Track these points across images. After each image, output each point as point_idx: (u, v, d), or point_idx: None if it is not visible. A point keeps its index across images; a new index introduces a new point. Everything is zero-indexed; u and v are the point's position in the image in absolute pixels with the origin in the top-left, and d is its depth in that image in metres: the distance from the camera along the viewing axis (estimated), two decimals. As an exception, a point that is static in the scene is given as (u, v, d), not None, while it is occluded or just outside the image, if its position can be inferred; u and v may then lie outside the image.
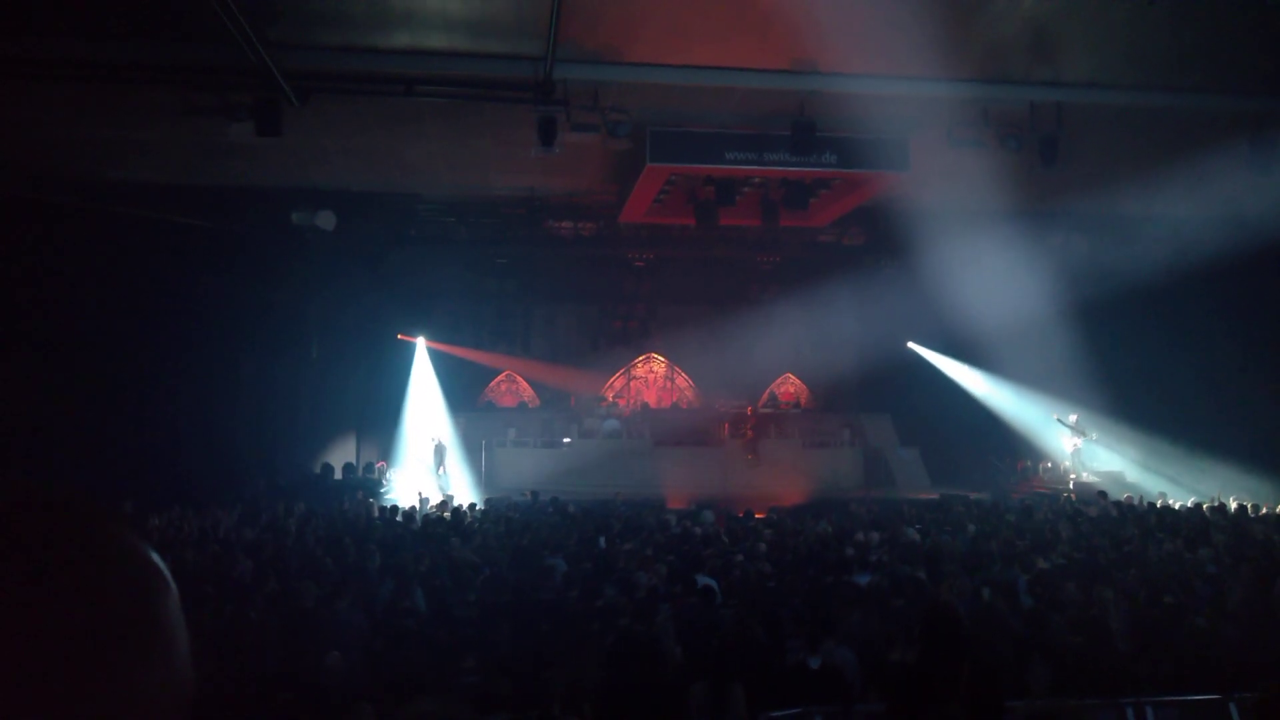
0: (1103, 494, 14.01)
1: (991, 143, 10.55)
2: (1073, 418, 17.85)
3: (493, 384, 21.73)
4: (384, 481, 17.22)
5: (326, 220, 15.40)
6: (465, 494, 16.19)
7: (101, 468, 13.80)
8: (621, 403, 21.65)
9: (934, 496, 15.50)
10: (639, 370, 22.42)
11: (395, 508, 13.02)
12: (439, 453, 18.09)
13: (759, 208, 13.93)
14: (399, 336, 19.74)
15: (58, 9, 8.43)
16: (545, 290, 20.47)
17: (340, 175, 14.20)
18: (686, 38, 9.11)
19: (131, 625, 0.66)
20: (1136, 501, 13.53)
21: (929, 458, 19.51)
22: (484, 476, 17.98)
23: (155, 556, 0.71)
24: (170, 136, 11.53)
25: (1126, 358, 16.94)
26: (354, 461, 17.62)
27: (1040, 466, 18.64)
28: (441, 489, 17.26)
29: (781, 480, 17.11)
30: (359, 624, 6.70)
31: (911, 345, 21.16)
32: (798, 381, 22.43)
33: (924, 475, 19.23)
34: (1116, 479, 16.71)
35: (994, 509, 12.80)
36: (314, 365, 17.79)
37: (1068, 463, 17.87)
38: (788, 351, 20.50)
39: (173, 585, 0.71)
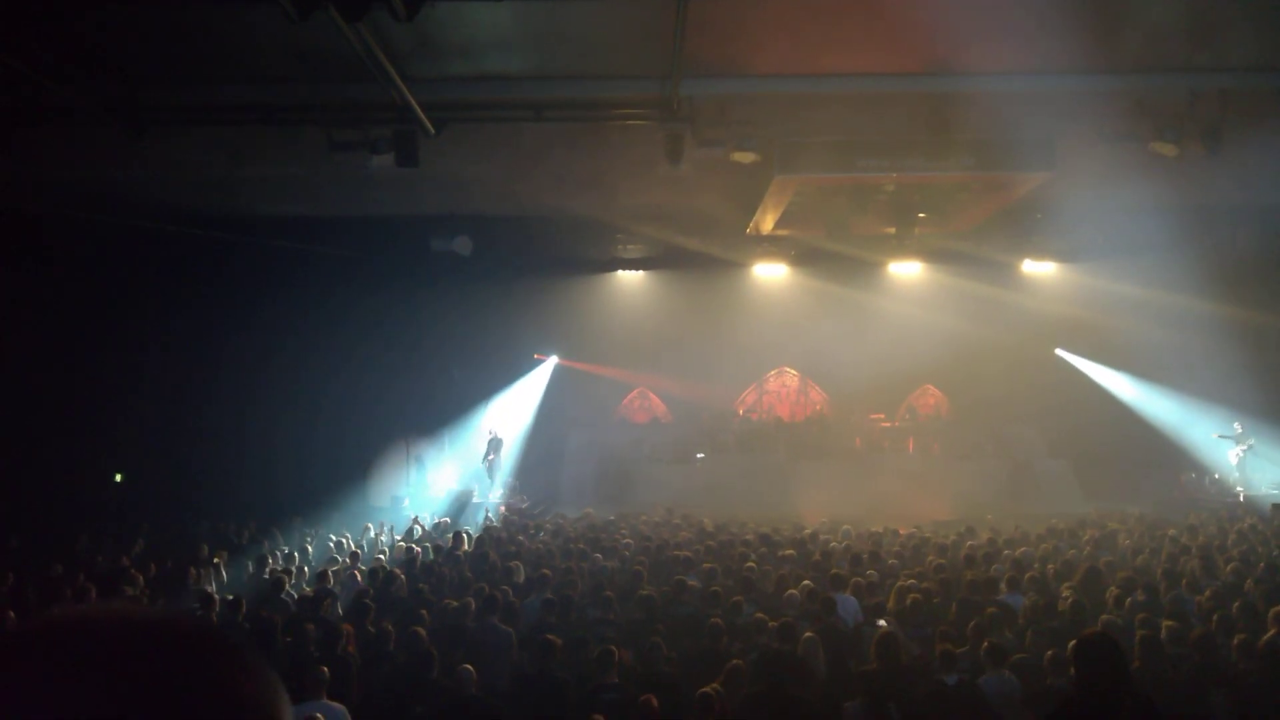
0: (1277, 506, 12.78)
1: (1148, 136, 9.85)
2: (1237, 426, 16.48)
3: (626, 400, 21.95)
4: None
5: (464, 246, 16.01)
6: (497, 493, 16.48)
7: (267, 487, 14.83)
8: (754, 417, 21.43)
9: (1088, 511, 14.53)
10: (771, 384, 22.13)
11: (540, 524, 13.37)
12: (493, 445, 18.17)
13: (893, 215, 13.52)
14: (535, 356, 20.30)
15: (215, 59, 9.15)
16: (675, 306, 20.55)
17: (475, 202, 14.74)
18: (813, 47, 8.96)
19: None
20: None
21: (1080, 470, 18.34)
22: (620, 493, 18.14)
23: (276, 682, 0.75)
24: (316, 172, 12.26)
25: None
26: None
27: (1206, 479, 17.18)
28: (489, 478, 17.63)
29: (923, 495, 16.46)
30: (506, 638, 6.87)
31: (1059, 352, 20.01)
32: (937, 393, 21.55)
33: (1075, 489, 18.06)
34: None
35: (1155, 526, 11.87)
36: (455, 387, 18.52)
37: (1234, 475, 16.45)
38: (926, 362, 19.74)
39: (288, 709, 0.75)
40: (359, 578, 9.41)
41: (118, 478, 16.62)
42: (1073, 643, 4.05)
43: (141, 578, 9.06)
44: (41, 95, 9.32)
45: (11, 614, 7.08)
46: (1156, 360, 16.96)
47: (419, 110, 9.46)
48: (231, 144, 11.11)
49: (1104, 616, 6.06)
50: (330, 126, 10.15)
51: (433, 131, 9.91)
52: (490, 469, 17.98)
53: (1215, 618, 6.20)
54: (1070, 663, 4.03)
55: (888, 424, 20.48)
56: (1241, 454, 16.45)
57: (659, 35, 8.29)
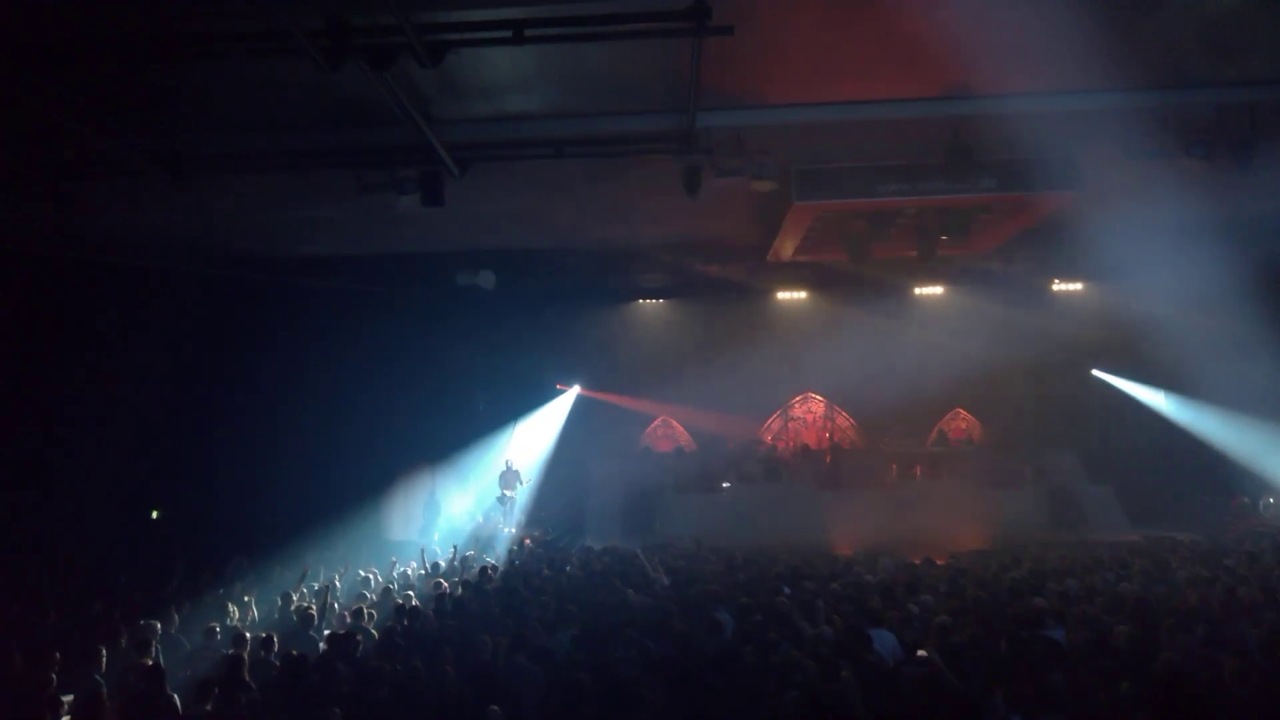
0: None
1: (1175, 151, 9.71)
2: None
3: (649, 429, 21.86)
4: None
5: (487, 280, 16.20)
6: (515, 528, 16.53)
7: (295, 522, 14.86)
8: (780, 445, 21.21)
9: (1135, 539, 14.13)
10: (796, 410, 21.93)
11: (566, 556, 13.25)
12: (505, 478, 17.85)
13: (915, 238, 13.43)
14: (557, 386, 20.33)
15: (250, 109, 9.34)
16: (697, 334, 20.51)
17: (499, 236, 14.87)
18: (828, 74, 8.97)
19: None
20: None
21: (1125, 495, 17.90)
22: (645, 524, 18.01)
23: None
24: (346, 213, 12.45)
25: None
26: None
27: (1261, 503, 16.58)
28: (507, 511, 17.36)
29: (959, 523, 16.12)
30: (535, 677, 6.76)
31: (1097, 373, 19.67)
32: (969, 416, 21.23)
33: (1120, 515, 17.62)
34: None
35: (1210, 553, 11.50)
36: (478, 418, 18.57)
37: None
38: (955, 385, 19.46)
39: None
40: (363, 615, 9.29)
41: (154, 514, 16.80)
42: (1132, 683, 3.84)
43: (177, 616, 9.08)
44: (86, 148, 9.58)
45: (56, 654, 7.13)
46: (1198, 379, 16.53)
47: (443, 152, 9.61)
48: (265, 189, 11.34)
49: (1162, 654, 5.83)
50: (359, 169, 10.33)
51: (456, 172, 10.04)
52: (507, 502, 17.87)
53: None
54: (1137, 705, 3.83)
55: (919, 449, 20.18)
56: None
57: (676, 70, 8.33)
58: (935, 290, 19.80)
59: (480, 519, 17.68)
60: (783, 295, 20.16)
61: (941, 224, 12.87)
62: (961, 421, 21.25)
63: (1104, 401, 19.31)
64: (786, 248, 14.57)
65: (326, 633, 8.51)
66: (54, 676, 6.64)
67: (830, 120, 9.81)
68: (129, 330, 14.71)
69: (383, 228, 13.53)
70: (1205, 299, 14.80)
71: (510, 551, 14.67)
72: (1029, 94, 9.15)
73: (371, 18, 7.14)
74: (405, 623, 8.60)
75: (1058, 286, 19.14)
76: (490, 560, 13.27)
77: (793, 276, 18.95)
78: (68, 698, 6.18)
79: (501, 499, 17.84)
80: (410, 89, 8.47)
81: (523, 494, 18.24)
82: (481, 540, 16.29)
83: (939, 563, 11.37)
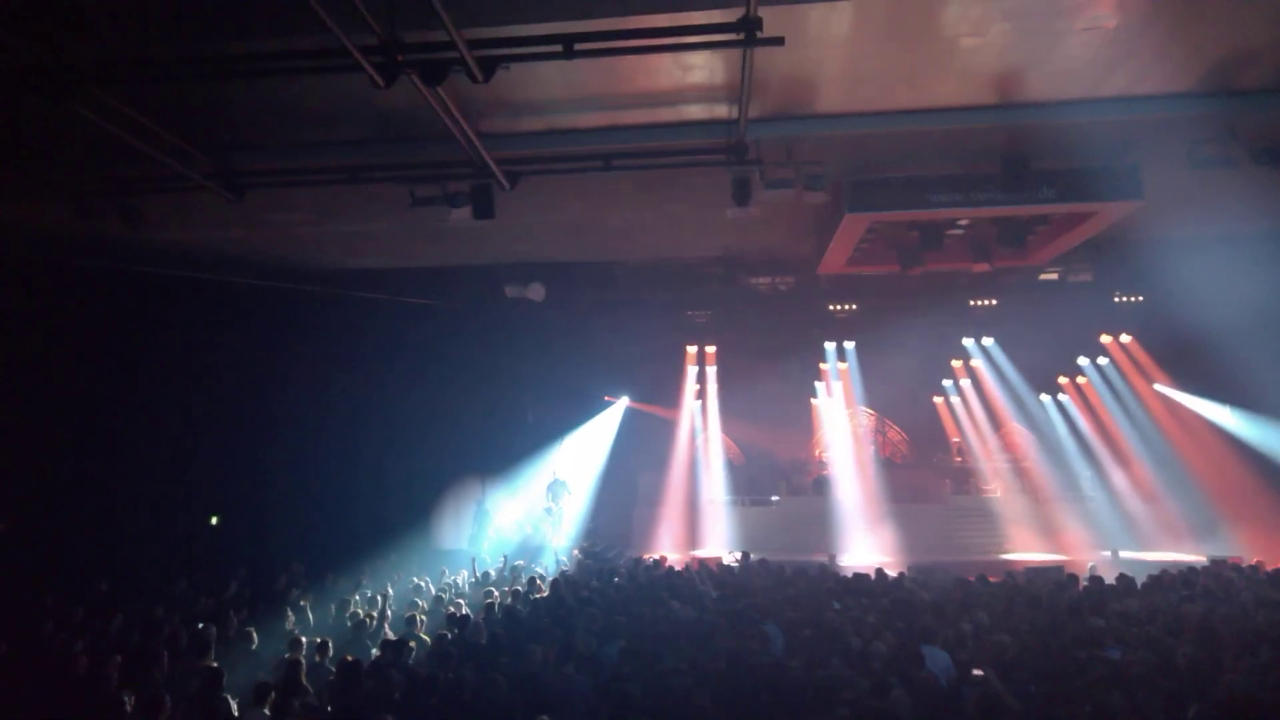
0: None
1: (1242, 160, 9.40)
2: None
3: (698, 441, 21.77)
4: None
5: (536, 292, 16.30)
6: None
7: (347, 530, 15.11)
8: (829, 458, 20.96)
9: (1199, 558, 13.66)
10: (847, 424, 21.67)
11: (614, 568, 13.23)
12: (553, 489, 17.96)
13: (969, 249, 13.20)
14: (605, 399, 20.37)
15: (305, 126, 9.58)
16: (746, 347, 20.40)
17: (547, 249, 14.99)
18: (879, 84, 8.88)
19: None
20: None
21: (1188, 512, 17.33)
22: (693, 535, 17.94)
23: None
24: (398, 226, 12.66)
25: None
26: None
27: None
28: (554, 522, 17.39)
29: (1013, 540, 15.77)
30: (584, 688, 6.76)
31: (1159, 388, 19.10)
32: (1024, 430, 20.79)
33: (1184, 533, 17.08)
34: None
35: (1278, 574, 11.05)
36: (527, 430, 18.69)
37: None
38: (1010, 399, 19.05)
39: None
40: (415, 623, 9.37)
41: (213, 520, 17.22)
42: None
43: (236, 621, 9.27)
44: (150, 166, 9.90)
45: (118, 656, 7.32)
46: (1264, 392, 15.96)
47: (494, 166, 9.72)
48: (320, 202, 11.60)
49: (1226, 677, 5.61)
50: (411, 183, 10.50)
51: (507, 186, 10.14)
52: (555, 513, 17.94)
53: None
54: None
55: (972, 463, 19.78)
56: None
57: (726, 81, 8.32)
58: (990, 302, 19.42)
59: (529, 530, 17.78)
60: (833, 307, 19.97)
61: (997, 234, 12.64)
62: (1017, 435, 20.81)
63: (1167, 416, 18.72)
64: (838, 259, 14.42)
65: (380, 639, 8.62)
66: (115, 676, 6.83)
67: (882, 130, 9.69)
68: (189, 341, 15.14)
69: (434, 240, 13.73)
70: (1272, 311, 14.31)
71: (558, 562, 14.72)
72: (1088, 101, 8.95)
73: (423, 34, 7.27)
74: (456, 631, 8.67)
75: (1118, 298, 18.66)
76: (539, 571, 13.32)
77: (844, 288, 18.76)
78: (129, 699, 6.35)
79: (549, 510, 17.92)
80: (462, 104, 8.60)
81: (570, 505, 18.30)
82: (530, 550, 16.37)
83: (993, 580, 11.12)
